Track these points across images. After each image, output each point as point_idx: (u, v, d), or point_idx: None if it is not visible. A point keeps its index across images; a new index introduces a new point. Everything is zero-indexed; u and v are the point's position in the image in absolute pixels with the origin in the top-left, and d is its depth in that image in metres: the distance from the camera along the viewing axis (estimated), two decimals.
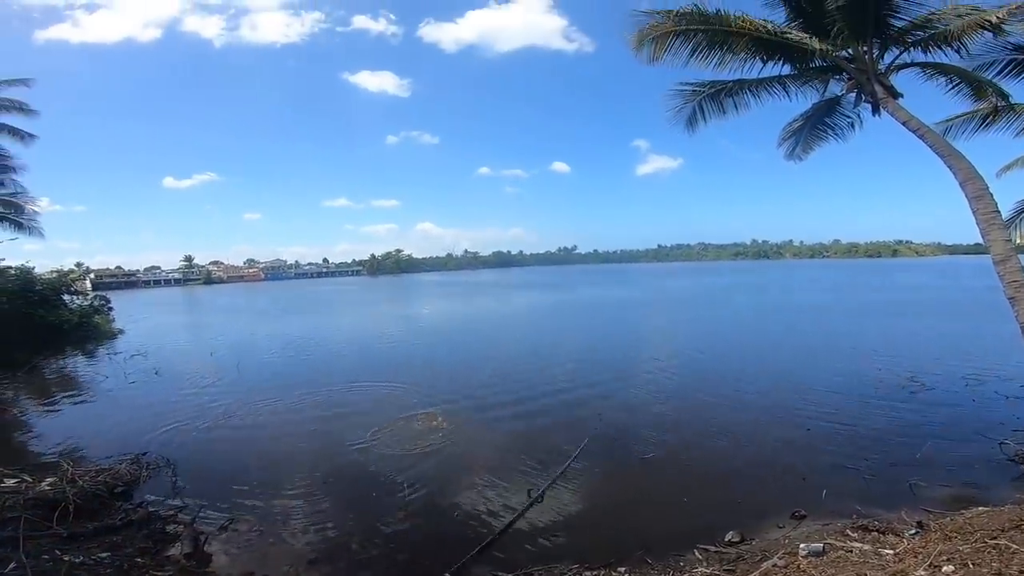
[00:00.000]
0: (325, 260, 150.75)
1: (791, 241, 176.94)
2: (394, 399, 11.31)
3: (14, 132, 19.61)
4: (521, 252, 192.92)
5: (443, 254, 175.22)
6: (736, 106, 9.53)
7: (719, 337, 19.85)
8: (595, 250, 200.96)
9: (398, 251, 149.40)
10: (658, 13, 7.90)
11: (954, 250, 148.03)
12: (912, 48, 8.01)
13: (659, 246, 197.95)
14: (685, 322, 25.41)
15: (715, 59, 8.21)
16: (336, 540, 5.61)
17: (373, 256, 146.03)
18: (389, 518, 6.04)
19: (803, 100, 9.51)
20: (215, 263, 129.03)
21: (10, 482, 5.48)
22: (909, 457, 7.32)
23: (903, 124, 7.49)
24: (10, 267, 19.13)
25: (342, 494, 6.72)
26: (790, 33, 8.14)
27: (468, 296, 51.11)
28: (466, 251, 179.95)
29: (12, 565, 3.47)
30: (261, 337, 23.57)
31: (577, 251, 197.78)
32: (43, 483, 5.48)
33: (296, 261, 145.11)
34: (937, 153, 7.14)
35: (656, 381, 12.49)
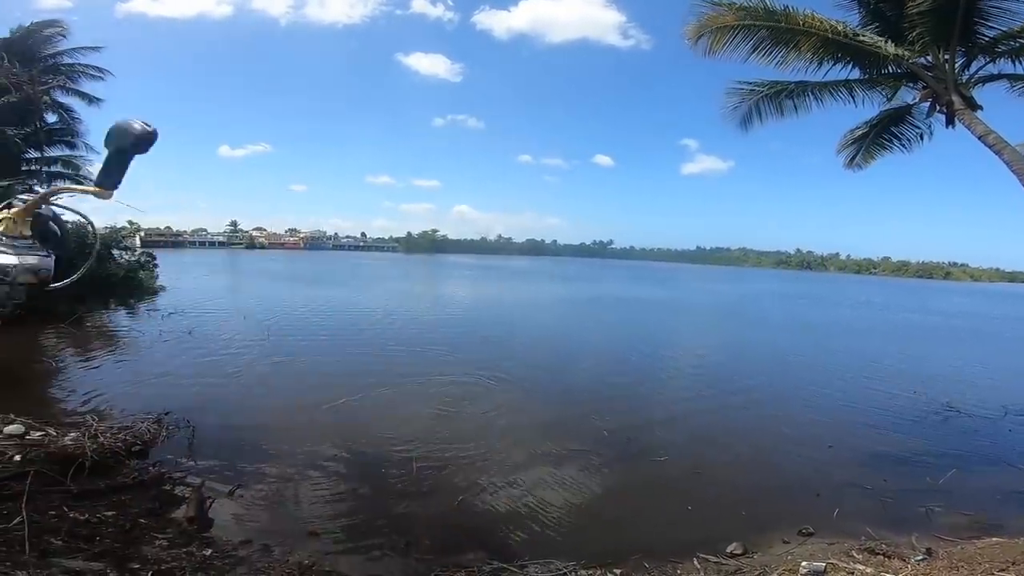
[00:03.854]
0: (363, 234, 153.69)
1: (837, 254, 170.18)
2: (421, 377, 11.37)
3: (85, 96, 20.81)
4: (555, 242, 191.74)
5: (477, 237, 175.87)
6: (796, 108, 9.02)
7: (750, 346, 19.32)
8: (631, 246, 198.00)
9: (434, 231, 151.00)
10: (719, 4, 7.41)
11: (1014, 277, 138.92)
12: (1000, 59, 7.30)
13: (698, 248, 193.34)
14: (715, 328, 24.82)
15: (778, 57, 7.70)
16: (338, 514, 5.62)
17: (409, 234, 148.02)
18: (394, 496, 6.06)
19: (870, 106, 8.88)
20: (258, 229, 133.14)
21: (36, 434, 5.67)
22: (931, 482, 7.12)
23: (980, 138, 6.85)
24: (67, 222, 20.14)
25: (353, 468, 6.76)
26: (863, 36, 7.53)
27: (501, 281, 51.15)
28: (500, 236, 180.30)
29: (18, 519, 3.52)
30: (293, 304, 24.06)
31: (612, 246, 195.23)
32: (66, 437, 5.65)
33: (335, 233, 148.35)
34: (1015, 172, 6.49)
35: (679, 385, 12.26)
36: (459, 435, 8.17)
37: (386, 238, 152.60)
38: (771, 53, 7.68)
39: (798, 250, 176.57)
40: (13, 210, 0.56)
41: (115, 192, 0.77)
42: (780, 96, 8.80)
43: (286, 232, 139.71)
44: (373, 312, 22.71)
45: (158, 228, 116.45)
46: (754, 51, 7.64)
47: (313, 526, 5.31)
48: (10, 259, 0.52)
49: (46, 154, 20.70)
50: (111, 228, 23.82)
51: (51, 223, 0.61)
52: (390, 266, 70.98)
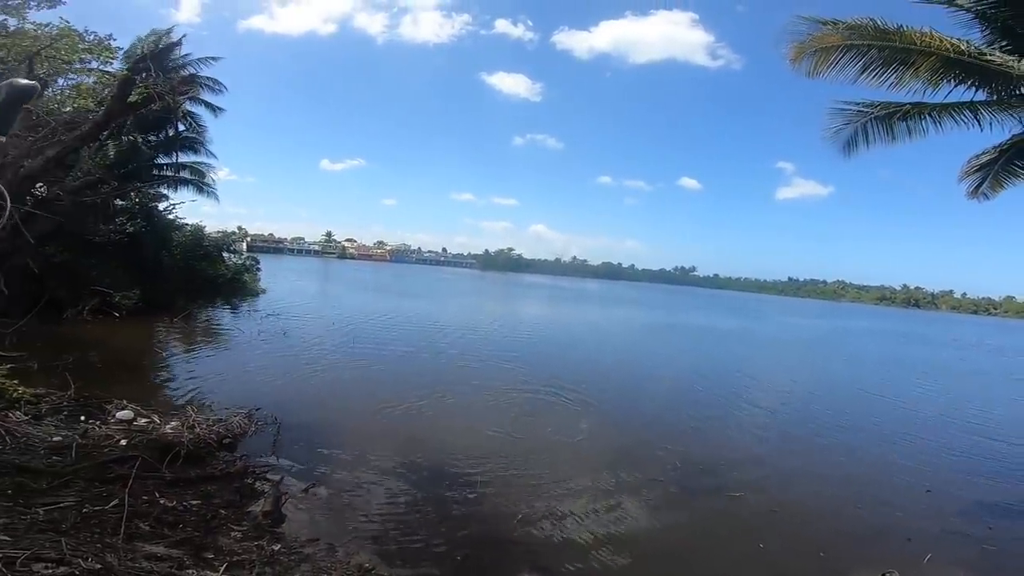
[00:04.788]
0: (444, 249, 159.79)
1: (951, 291, 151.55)
2: (495, 390, 11.55)
3: (208, 106, 23.18)
4: (633, 266, 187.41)
5: (552, 258, 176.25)
6: (909, 132, 8.17)
7: (839, 384, 18.13)
8: (715, 274, 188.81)
9: (510, 249, 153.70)
10: (823, 23, 6.91)
11: None
12: None
13: (789, 279, 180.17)
14: (803, 363, 23.48)
15: (890, 79, 7.01)
16: (400, 522, 5.72)
17: (487, 251, 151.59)
18: (456, 510, 6.11)
19: (998, 130, 7.84)
20: (349, 240, 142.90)
21: (142, 421, 6.29)
22: None
23: None
24: (187, 224, 22.58)
25: (420, 477, 6.87)
26: (991, 55, 6.69)
27: (576, 303, 50.85)
28: (575, 257, 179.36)
29: (115, 502, 3.88)
30: (377, 313, 25.35)
31: (695, 273, 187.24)
32: (167, 426, 6.21)
33: (419, 248, 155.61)
34: None
35: (760, 420, 11.68)
36: (527, 453, 8.11)
37: (465, 254, 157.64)
38: (883, 74, 7.01)
39: (904, 286, 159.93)
40: None
41: (3, 138, 0.72)
42: (892, 118, 8.01)
43: (374, 244, 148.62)
44: (450, 325, 23.32)
45: (262, 235, 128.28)
46: (863, 72, 7.00)
47: (377, 532, 5.42)
48: None
49: (174, 160, 23.18)
50: (223, 232, 26.50)
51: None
52: (467, 282, 72.99)
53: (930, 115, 7.77)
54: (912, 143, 8.21)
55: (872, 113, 8.03)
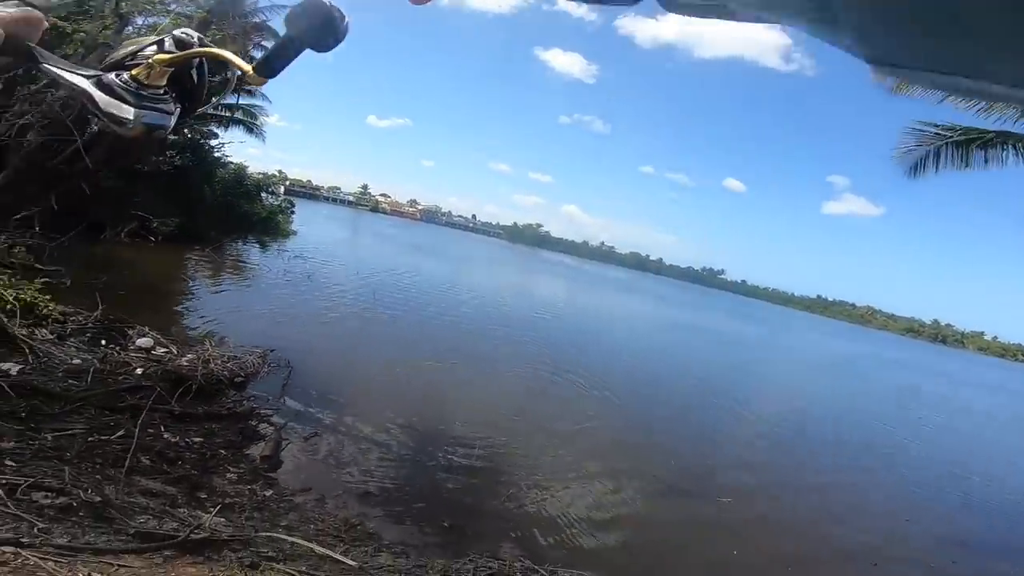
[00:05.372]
0: (473, 216, 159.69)
1: (982, 333, 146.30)
2: (510, 364, 11.66)
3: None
4: (661, 260, 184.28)
5: (580, 240, 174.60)
6: (987, 160, 7.62)
7: (852, 409, 17.86)
8: (743, 280, 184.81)
9: (539, 225, 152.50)
10: None
11: None
12: None
13: (819, 296, 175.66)
14: (819, 383, 23.26)
15: (981, 103, 6.46)
16: (394, 481, 5.81)
17: (515, 224, 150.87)
18: (452, 476, 6.20)
19: None
20: (384, 195, 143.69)
21: (160, 351, 6.40)
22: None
23: None
24: (232, 162, 23.13)
25: (420, 439, 6.96)
26: None
27: (601, 290, 50.56)
28: (603, 243, 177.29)
29: (120, 433, 3.95)
30: (402, 269, 25.62)
31: (723, 275, 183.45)
32: (183, 358, 6.31)
33: (449, 211, 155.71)
34: None
35: (767, 433, 11.82)
36: (529, 432, 8.12)
37: (493, 223, 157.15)
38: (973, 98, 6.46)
39: (935, 321, 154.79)
40: (158, 56, 0.51)
41: (268, 82, 0.62)
42: (970, 145, 7.46)
43: (407, 202, 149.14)
44: (472, 292, 23.42)
45: (300, 180, 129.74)
46: (953, 92, 6.47)
47: (367, 488, 5.50)
48: (127, 112, 0.47)
49: (231, 102, 23.67)
50: (264, 174, 26.95)
51: (193, 73, 0.49)
52: (493, 251, 73.08)
53: (1015, 146, 7.20)
54: (987, 172, 7.67)
55: (950, 137, 7.49)
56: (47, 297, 6.48)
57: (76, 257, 10.73)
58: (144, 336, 6.68)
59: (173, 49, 0.55)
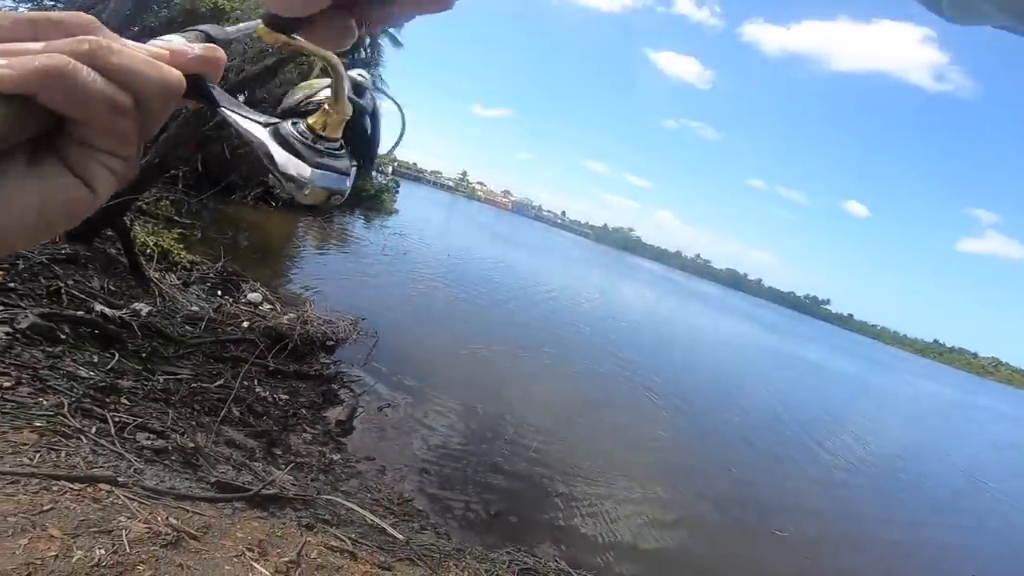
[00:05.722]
0: (563, 213, 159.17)
1: None
2: (583, 365, 11.69)
3: (393, 39, 24.90)
4: (760, 281, 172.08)
5: (672, 248, 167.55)
6: None
7: (952, 467, 16.10)
8: (850, 314, 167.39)
9: (630, 229, 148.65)
10: None
11: None
12: None
13: (935, 341, 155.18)
14: (917, 432, 21.79)
15: None
16: (451, 463, 5.94)
17: (605, 225, 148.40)
18: (505, 468, 6.25)
19: None
20: (480, 183, 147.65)
21: (266, 307, 7.00)
22: None
23: None
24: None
25: (483, 426, 7.09)
26: None
27: (690, 304, 48.39)
28: (699, 255, 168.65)
29: (219, 382, 4.36)
30: (493, 258, 26.32)
31: (827, 306, 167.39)
32: (284, 317, 6.85)
33: (539, 205, 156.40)
34: None
35: (844, 477, 11.01)
36: (591, 436, 8.06)
37: (582, 222, 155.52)
38: None
39: None
40: (335, 101, 0.44)
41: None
42: None
43: (501, 192, 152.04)
44: (557, 289, 23.36)
45: (406, 162, 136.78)
46: None
47: (427, 466, 5.67)
48: (304, 170, 0.42)
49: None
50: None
51: (367, 121, 0.44)
52: (580, 250, 72.48)
53: None
54: None
55: None
56: (180, 246, 7.37)
57: (209, 214, 12.11)
58: (255, 291, 7.33)
59: (351, 93, 0.51)
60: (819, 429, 14.47)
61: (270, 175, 0.45)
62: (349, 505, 3.63)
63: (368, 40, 22.38)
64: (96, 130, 0.30)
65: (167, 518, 1.93)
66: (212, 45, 0.40)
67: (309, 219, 18.00)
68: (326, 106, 0.46)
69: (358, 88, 0.55)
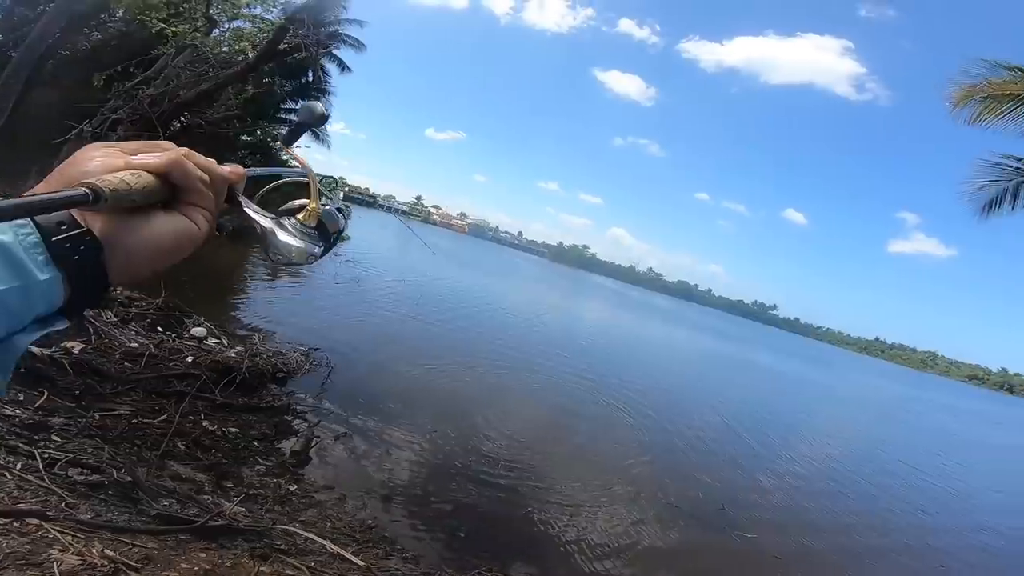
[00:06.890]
0: (519, 233, 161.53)
1: None
2: (544, 380, 11.83)
3: (340, 63, 24.50)
4: (710, 291, 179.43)
5: (626, 264, 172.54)
6: None
7: (910, 453, 17.25)
8: (796, 318, 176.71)
9: (584, 247, 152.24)
10: (1010, 68, 5.90)
11: None
12: None
13: (877, 339, 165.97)
14: (865, 426, 22.81)
15: None
16: (415, 487, 5.85)
17: (561, 244, 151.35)
18: (471, 487, 6.19)
19: None
20: (435, 207, 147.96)
21: (212, 341, 6.74)
22: None
23: None
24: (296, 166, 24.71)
25: (446, 447, 7.01)
26: None
27: (649, 319, 49.72)
28: (651, 269, 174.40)
29: (163, 417, 4.16)
30: (448, 280, 26.29)
31: (775, 312, 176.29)
32: (232, 350, 6.62)
33: (496, 227, 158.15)
34: None
35: (804, 473, 11.37)
36: (559, 450, 8.14)
37: (538, 242, 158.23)
38: None
39: (1003, 369, 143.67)
40: (312, 206, 0.76)
41: (290, 148, 1.07)
42: None
43: (457, 215, 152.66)
44: (515, 309, 23.65)
45: (358, 187, 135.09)
46: None
47: (390, 494, 5.53)
48: (296, 242, 0.71)
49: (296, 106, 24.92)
50: (322, 177, 28.54)
51: (336, 215, 0.81)
52: (537, 269, 73.44)
53: None
54: None
55: None
56: None
57: None
58: (199, 326, 7.05)
59: (323, 201, 0.80)
60: (776, 430, 15.08)
61: (270, 248, 0.69)
62: (307, 535, 3.52)
63: (310, 70, 22.11)
64: (195, 194, 0.54)
65: (103, 550, 1.83)
66: (238, 166, 0.65)
67: (257, 248, 17.35)
68: (307, 209, 0.75)
69: (327, 195, 0.85)
